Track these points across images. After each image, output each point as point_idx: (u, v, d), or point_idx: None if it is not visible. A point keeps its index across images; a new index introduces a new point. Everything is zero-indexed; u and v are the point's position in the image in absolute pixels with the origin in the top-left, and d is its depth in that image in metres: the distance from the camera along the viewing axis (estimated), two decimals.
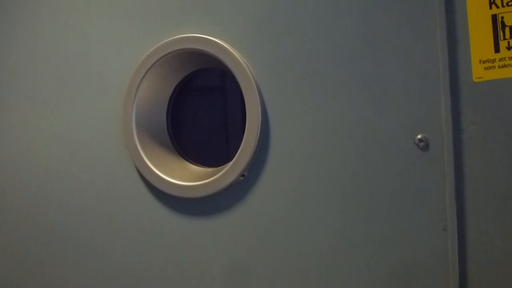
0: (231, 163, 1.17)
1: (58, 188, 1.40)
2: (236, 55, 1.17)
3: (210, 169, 1.31)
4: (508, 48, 0.97)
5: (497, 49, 0.98)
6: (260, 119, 1.14)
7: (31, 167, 1.44)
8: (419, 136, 1.02)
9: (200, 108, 1.43)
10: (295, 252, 1.14)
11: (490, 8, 0.98)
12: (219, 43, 1.18)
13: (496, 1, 0.98)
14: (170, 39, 1.23)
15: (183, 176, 1.25)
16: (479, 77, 0.99)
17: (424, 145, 1.02)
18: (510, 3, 0.97)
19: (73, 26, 1.38)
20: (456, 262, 1.00)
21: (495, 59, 0.98)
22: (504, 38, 0.98)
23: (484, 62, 0.99)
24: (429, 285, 1.03)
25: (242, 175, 1.17)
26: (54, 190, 1.40)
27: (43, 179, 1.42)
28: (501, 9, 0.98)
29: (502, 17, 0.98)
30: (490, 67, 0.98)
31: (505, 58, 0.98)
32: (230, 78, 1.21)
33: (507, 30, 0.97)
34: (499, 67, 0.98)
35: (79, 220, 1.37)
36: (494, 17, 0.98)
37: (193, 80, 1.39)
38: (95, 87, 1.35)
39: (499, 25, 0.98)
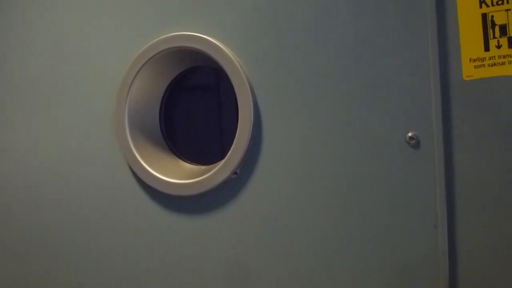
0: (223, 161, 1.18)
1: (50, 186, 1.40)
2: (229, 53, 1.17)
3: (203, 167, 1.31)
4: (498, 46, 0.98)
5: (487, 48, 0.99)
6: (252, 117, 1.15)
7: (22, 165, 1.44)
8: (410, 134, 1.03)
9: (194, 106, 1.43)
10: (287, 249, 1.14)
11: (480, 7, 0.99)
12: (211, 41, 1.18)
13: (486, 0, 0.99)
14: (163, 37, 1.23)
15: (176, 174, 1.26)
16: (469, 76, 1.00)
17: (415, 143, 1.03)
18: (500, 2, 0.98)
19: (66, 24, 1.38)
20: (447, 259, 1.01)
21: (485, 57, 0.99)
22: (494, 37, 0.98)
23: (474, 60, 1.00)
24: (420, 281, 1.03)
25: (235, 173, 1.17)
26: (45, 189, 1.40)
27: (34, 178, 1.42)
28: (491, 8, 0.98)
29: (492, 16, 0.98)
30: (480, 66, 0.99)
31: (494, 56, 0.98)
32: (225, 77, 1.22)
33: (497, 29, 0.98)
34: (489, 65, 0.99)
35: (71, 219, 1.37)
36: (484, 16, 0.99)
37: (187, 78, 1.39)
38: (88, 85, 1.35)
39: (489, 24, 0.99)
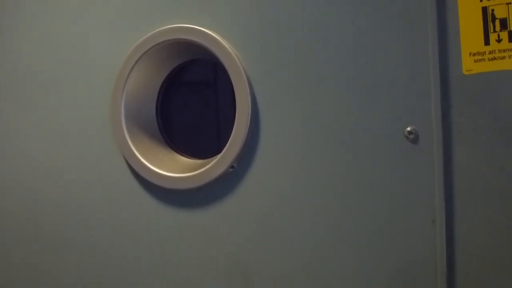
0: (220, 154, 1.17)
1: (45, 181, 1.38)
2: (226, 46, 1.16)
3: (200, 161, 1.30)
4: (498, 40, 0.97)
5: (487, 42, 0.98)
6: (250, 110, 1.14)
7: (18, 160, 1.42)
8: (408, 129, 1.02)
9: (191, 100, 1.42)
10: (285, 244, 1.14)
11: (481, 0, 0.98)
12: (209, 34, 1.17)
13: None
14: (160, 29, 1.22)
15: (172, 168, 1.25)
16: (469, 70, 0.99)
17: (414, 138, 1.02)
18: None
19: (62, 16, 1.37)
20: (444, 254, 1.00)
21: (485, 51, 0.98)
22: (494, 31, 0.97)
23: (474, 54, 0.99)
24: (418, 276, 1.03)
25: (232, 166, 1.16)
26: (41, 184, 1.39)
27: (30, 173, 1.40)
28: (492, 2, 0.97)
29: (493, 10, 0.98)
30: (480, 60, 0.98)
31: (495, 50, 0.97)
32: (222, 71, 1.21)
33: (497, 22, 0.97)
34: (489, 59, 0.98)
35: (67, 214, 1.36)
36: (484, 10, 0.98)
37: (184, 72, 1.38)
38: (83, 78, 1.34)
39: (490, 18, 0.98)
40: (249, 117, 1.14)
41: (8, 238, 1.45)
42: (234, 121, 1.16)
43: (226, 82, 1.20)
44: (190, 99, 1.42)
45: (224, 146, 1.17)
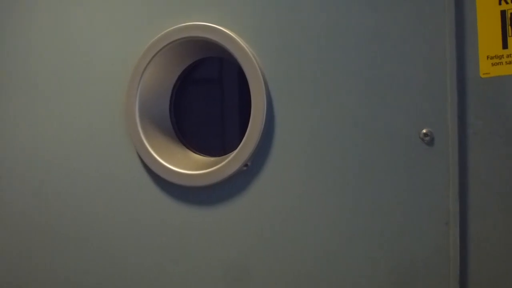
0: (234, 152, 1.17)
1: (59, 177, 1.38)
2: (242, 44, 1.16)
3: (212, 158, 1.30)
4: None
5: (505, 45, 0.98)
6: (265, 109, 1.14)
7: (32, 156, 1.42)
8: (424, 131, 1.02)
9: (199, 98, 1.42)
10: (298, 242, 1.14)
11: (500, 4, 0.98)
12: (225, 32, 1.18)
13: None
14: (176, 26, 1.22)
15: (186, 165, 1.25)
16: (486, 73, 0.99)
17: (429, 140, 1.02)
18: None
19: (76, 11, 1.37)
20: (458, 257, 1.00)
21: (502, 55, 0.98)
22: None
23: (491, 58, 0.99)
24: (430, 278, 1.03)
25: (246, 165, 1.17)
26: (55, 180, 1.39)
27: (44, 169, 1.41)
28: (511, 5, 0.97)
29: (511, 13, 0.97)
30: (497, 63, 0.98)
31: None
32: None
33: None
34: (506, 63, 0.98)
35: (81, 210, 1.36)
36: (503, 13, 0.98)
37: (198, 69, 1.38)
38: (98, 75, 1.34)
39: (508, 21, 0.98)
40: (264, 116, 1.14)
41: (20, 236, 1.45)
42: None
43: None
44: (198, 96, 1.42)
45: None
